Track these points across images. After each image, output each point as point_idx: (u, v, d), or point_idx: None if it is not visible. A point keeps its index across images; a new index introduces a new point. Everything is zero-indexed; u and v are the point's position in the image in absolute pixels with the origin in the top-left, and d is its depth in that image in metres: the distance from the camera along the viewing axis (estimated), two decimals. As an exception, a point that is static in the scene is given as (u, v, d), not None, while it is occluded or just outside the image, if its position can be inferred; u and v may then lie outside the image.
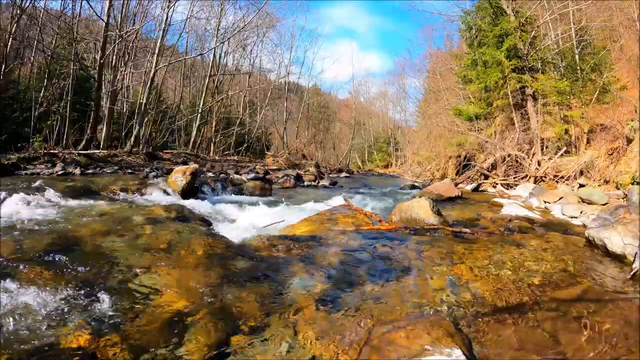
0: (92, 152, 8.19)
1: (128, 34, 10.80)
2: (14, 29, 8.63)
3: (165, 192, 4.84)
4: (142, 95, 11.40)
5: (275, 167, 11.72)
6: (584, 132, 8.45)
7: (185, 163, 9.03)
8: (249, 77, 21.15)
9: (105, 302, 1.82)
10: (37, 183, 4.40)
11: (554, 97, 9.07)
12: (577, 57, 9.61)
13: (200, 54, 17.51)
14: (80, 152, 7.82)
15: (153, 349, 1.52)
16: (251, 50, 21.16)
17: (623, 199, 5.07)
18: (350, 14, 71.85)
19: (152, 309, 1.81)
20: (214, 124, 17.62)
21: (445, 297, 2.03)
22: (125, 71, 11.57)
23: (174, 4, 11.44)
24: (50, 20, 10.41)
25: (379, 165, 28.25)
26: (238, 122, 19.02)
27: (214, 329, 1.68)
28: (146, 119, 11.32)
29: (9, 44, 8.52)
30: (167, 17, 11.49)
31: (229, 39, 17.12)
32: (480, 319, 1.79)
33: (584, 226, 3.69)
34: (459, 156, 11.56)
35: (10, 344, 1.46)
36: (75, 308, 1.74)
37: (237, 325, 1.73)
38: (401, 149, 26.09)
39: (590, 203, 5.04)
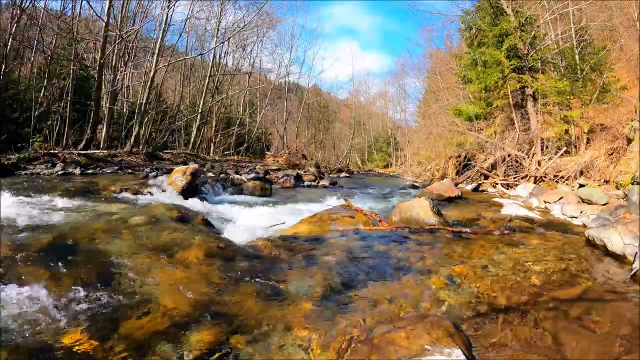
0: (92, 152, 8.19)
1: (128, 34, 10.79)
2: (14, 29, 8.62)
3: (165, 192, 4.83)
4: (142, 95, 11.40)
5: (275, 167, 11.71)
6: (584, 132, 8.45)
7: (185, 163, 9.02)
8: (249, 77, 21.15)
9: (105, 302, 1.82)
10: (37, 183, 4.40)
11: (554, 97, 9.07)
12: (577, 57, 9.61)
13: (200, 54, 17.55)
14: (80, 152, 7.82)
15: (153, 349, 1.52)
16: (251, 51, 21.19)
17: (623, 199, 5.07)
18: (350, 12, 71.97)
19: (152, 308, 1.81)
20: (214, 124, 17.62)
21: (445, 297, 2.03)
22: (125, 71, 11.56)
23: (174, 4, 11.47)
24: (50, 20, 10.40)
25: (379, 165, 28.23)
26: (238, 122, 19.02)
27: (214, 329, 1.68)
28: (146, 119, 11.32)
29: (9, 44, 8.52)
30: (167, 17, 11.53)
31: (229, 39, 17.14)
32: (480, 319, 1.79)
33: (584, 226, 3.69)
34: (459, 156, 11.56)
35: (11, 344, 1.46)
36: (75, 308, 1.74)
37: (237, 325, 1.73)
38: (401, 149, 26.06)
39: (590, 203, 5.04)
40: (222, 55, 19.10)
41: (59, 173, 5.89)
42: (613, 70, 9.18)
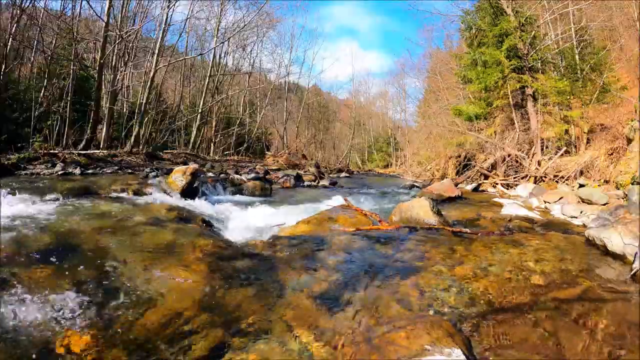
0: (92, 152, 8.18)
1: (128, 34, 10.78)
2: (14, 29, 8.62)
3: (165, 192, 4.83)
4: (142, 95, 11.39)
5: (275, 167, 11.71)
6: (584, 132, 8.45)
7: (185, 163, 9.01)
8: (249, 77, 21.15)
9: (105, 303, 1.82)
10: (37, 183, 4.40)
11: (554, 97, 9.07)
12: (577, 57, 9.61)
13: (200, 54, 17.55)
14: (80, 152, 7.81)
15: (153, 349, 1.52)
16: (251, 51, 21.20)
17: (623, 199, 5.07)
18: (350, 12, 72.12)
19: (152, 309, 1.81)
20: (214, 124, 17.61)
21: (445, 297, 2.03)
22: (125, 71, 11.56)
23: (174, 4, 11.46)
24: (50, 20, 10.39)
25: (379, 165, 28.24)
26: (238, 122, 19.02)
27: (214, 329, 1.68)
28: (146, 119, 11.31)
29: (9, 44, 8.51)
30: (167, 17, 11.51)
31: (229, 39, 17.14)
32: (480, 319, 1.79)
33: (584, 226, 3.69)
34: (459, 156, 11.56)
35: (11, 344, 1.46)
36: (75, 308, 1.74)
37: (237, 325, 1.73)
38: (401, 149, 26.07)
39: (590, 203, 5.04)
40: (222, 55, 19.13)
41: (59, 173, 5.89)
42: (613, 70, 9.18)
